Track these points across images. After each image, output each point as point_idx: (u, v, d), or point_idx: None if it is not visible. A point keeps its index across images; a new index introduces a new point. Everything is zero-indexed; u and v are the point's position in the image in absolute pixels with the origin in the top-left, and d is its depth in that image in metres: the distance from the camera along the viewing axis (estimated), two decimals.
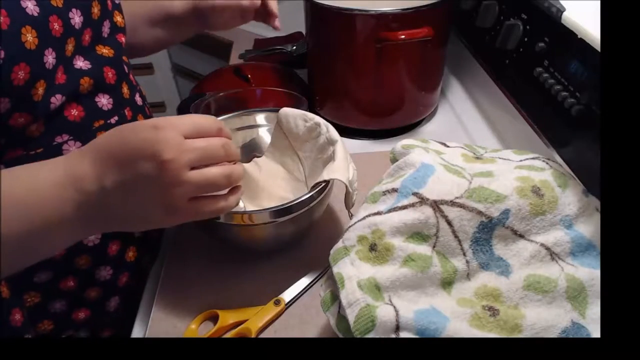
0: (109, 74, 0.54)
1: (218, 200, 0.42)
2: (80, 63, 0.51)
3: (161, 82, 1.55)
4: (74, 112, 0.50)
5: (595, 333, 0.38)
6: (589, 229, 0.43)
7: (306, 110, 0.63)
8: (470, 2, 0.75)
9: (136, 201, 0.39)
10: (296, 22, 0.96)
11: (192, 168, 0.39)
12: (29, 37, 0.42)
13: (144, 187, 0.38)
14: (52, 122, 0.48)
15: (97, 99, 0.53)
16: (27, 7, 0.43)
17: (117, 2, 0.58)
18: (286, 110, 0.63)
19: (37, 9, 0.44)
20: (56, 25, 0.46)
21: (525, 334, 0.37)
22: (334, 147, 0.56)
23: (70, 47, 0.48)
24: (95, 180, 0.38)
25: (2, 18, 0.40)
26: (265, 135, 0.68)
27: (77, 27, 0.49)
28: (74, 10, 0.48)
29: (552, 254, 0.42)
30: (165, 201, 0.39)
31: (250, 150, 0.68)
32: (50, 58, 0.45)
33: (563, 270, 0.41)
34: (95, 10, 0.52)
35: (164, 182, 0.37)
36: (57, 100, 0.48)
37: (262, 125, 0.67)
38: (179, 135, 0.37)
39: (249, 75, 0.86)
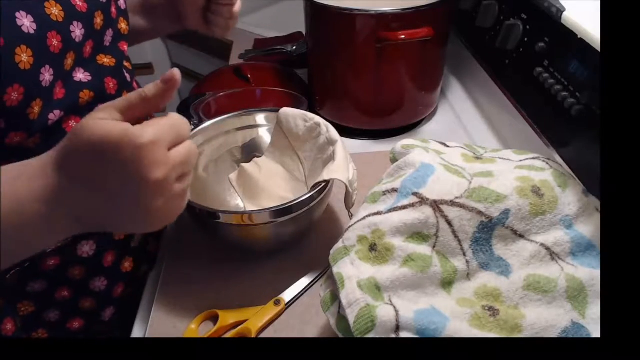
0: (110, 85, 0.53)
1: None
2: (80, 75, 0.49)
3: None
4: (72, 124, 0.49)
5: (595, 333, 0.38)
6: (589, 229, 0.43)
7: (306, 110, 0.63)
8: (470, 2, 0.75)
9: (122, 213, 0.36)
10: (296, 22, 0.96)
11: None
12: (24, 57, 0.41)
13: (134, 203, 0.34)
14: (49, 135, 0.47)
15: None
16: (23, 25, 0.41)
17: (123, 7, 0.57)
18: (286, 110, 0.63)
19: (34, 25, 0.42)
20: (55, 41, 0.44)
21: (525, 334, 0.37)
22: (334, 147, 0.56)
23: (69, 61, 0.47)
24: (74, 195, 0.34)
25: None
26: (265, 135, 0.68)
27: (77, 40, 0.47)
28: (75, 23, 0.47)
29: (552, 254, 0.42)
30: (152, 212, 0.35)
31: (250, 150, 0.68)
32: (47, 75, 0.44)
33: (563, 270, 0.41)
34: (98, 20, 0.51)
35: (156, 200, 0.34)
36: (55, 116, 0.46)
37: (262, 125, 0.67)
38: (165, 151, 0.34)
39: (249, 75, 0.86)
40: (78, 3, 0.48)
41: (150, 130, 0.33)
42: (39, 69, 0.43)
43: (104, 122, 0.33)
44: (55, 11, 0.45)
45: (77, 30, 0.47)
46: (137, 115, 0.35)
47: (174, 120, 0.36)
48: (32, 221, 0.34)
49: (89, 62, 0.51)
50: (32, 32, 0.42)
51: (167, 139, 0.34)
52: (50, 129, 0.47)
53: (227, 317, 0.52)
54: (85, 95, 0.49)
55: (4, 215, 0.33)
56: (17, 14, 0.41)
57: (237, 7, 0.65)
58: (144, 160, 0.32)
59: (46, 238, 0.38)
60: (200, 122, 0.64)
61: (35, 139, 0.46)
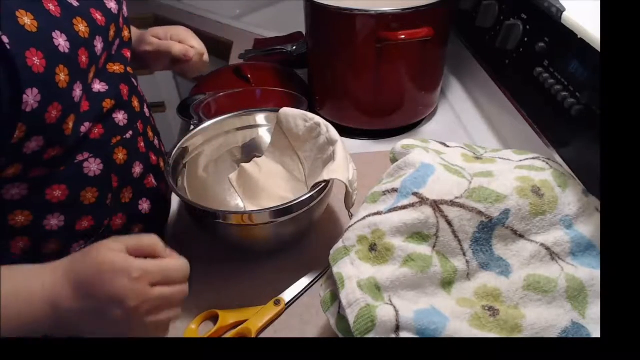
0: (124, 91, 0.54)
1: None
2: (98, 86, 0.51)
3: (161, 82, 1.55)
4: (95, 131, 0.51)
5: (595, 333, 0.38)
6: (589, 229, 0.43)
7: (306, 110, 0.63)
8: (470, 2, 0.75)
9: (99, 326, 0.42)
10: (296, 22, 0.96)
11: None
12: (62, 77, 0.43)
13: (110, 321, 0.41)
14: (76, 145, 0.49)
15: (114, 116, 0.53)
16: (59, 44, 0.43)
17: (126, 15, 0.58)
18: (286, 110, 0.63)
19: (68, 44, 0.43)
20: (84, 58, 0.45)
21: (525, 334, 0.37)
22: (334, 147, 0.56)
23: (91, 74, 0.48)
24: (71, 304, 0.41)
25: (38, 61, 0.40)
26: (265, 135, 0.68)
27: (98, 54, 0.49)
28: (97, 38, 0.48)
29: (552, 254, 0.42)
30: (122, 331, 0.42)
31: (250, 150, 0.68)
32: (78, 91, 0.45)
33: (563, 270, 0.41)
34: (112, 32, 0.52)
35: (128, 322, 0.41)
36: (85, 128, 0.48)
37: (262, 125, 0.67)
38: (148, 286, 0.41)
39: (249, 75, 0.86)
40: (98, 17, 0.49)
41: (141, 269, 0.40)
42: (72, 85, 0.44)
43: (115, 253, 0.41)
44: (82, 28, 0.46)
45: (98, 45, 0.49)
46: (144, 256, 0.42)
47: (170, 265, 0.43)
48: (36, 314, 0.40)
49: (102, 72, 0.52)
50: (67, 51, 0.43)
51: (154, 278, 0.41)
52: (79, 140, 0.49)
53: (227, 317, 0.52)
54: (107, 104, 0.51)
55: (18, 305, 0.40)
56: (54, 34, 0.42)
57: (206, 57, 0.70)
58: (131, 291, 0.40)
59: (36, 328, 0.43)
60: (200, 122, 0.64)
61: (63, 149, 0.48)
